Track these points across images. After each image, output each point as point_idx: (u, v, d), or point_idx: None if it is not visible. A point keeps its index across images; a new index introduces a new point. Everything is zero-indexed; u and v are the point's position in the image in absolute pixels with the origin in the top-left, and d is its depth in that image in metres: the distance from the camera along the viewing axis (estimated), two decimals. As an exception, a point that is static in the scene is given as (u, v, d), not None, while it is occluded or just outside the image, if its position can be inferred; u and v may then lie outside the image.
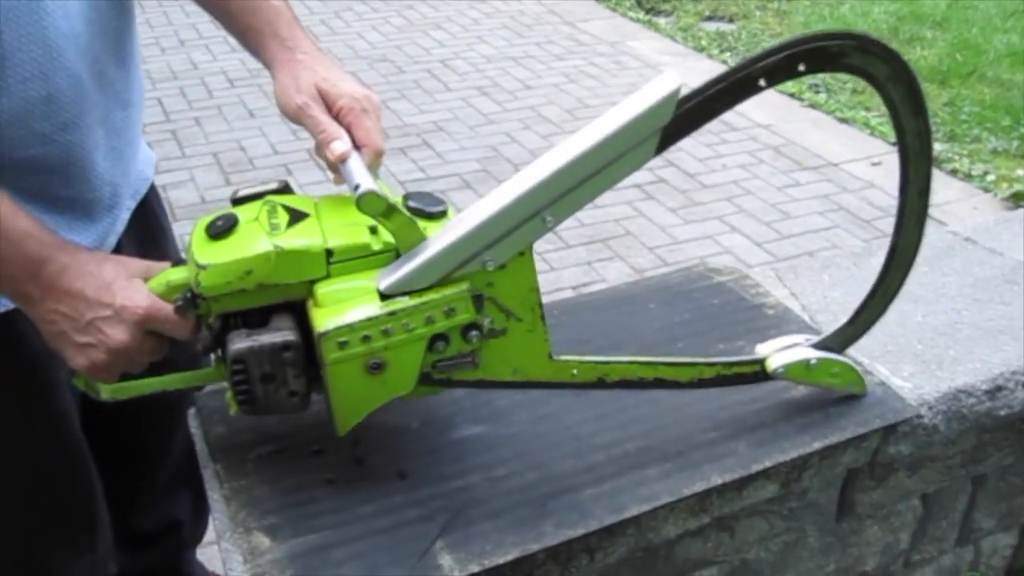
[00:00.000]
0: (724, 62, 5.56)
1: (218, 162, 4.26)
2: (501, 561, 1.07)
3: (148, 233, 1.44)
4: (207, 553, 2.16)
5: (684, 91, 1.04)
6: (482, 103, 4.95)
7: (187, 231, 3.62)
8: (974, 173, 4.22)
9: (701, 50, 5.80)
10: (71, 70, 1.12)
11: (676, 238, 3.68)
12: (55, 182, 1.17)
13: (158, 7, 6.06)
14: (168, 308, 1.06)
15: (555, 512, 1.13)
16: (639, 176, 3.91)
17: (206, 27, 5.78)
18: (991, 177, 4.18)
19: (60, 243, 1.06)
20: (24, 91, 1.09)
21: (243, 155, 4.32)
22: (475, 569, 1.06)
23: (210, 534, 2.15)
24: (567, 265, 3.46)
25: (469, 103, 4.95)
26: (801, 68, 1.04)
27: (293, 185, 1.18)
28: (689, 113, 1.04)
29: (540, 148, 4.39)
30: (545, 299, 1.13)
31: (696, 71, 5.33)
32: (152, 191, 1.47)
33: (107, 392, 1.15)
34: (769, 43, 5.83)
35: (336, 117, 1.14)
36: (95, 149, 1.20)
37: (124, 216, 1.35)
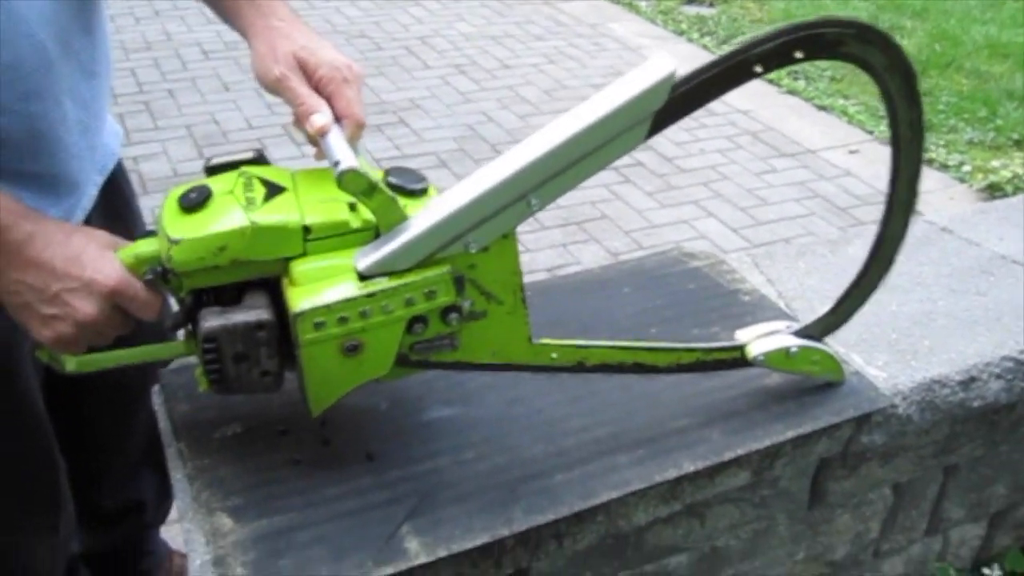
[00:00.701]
0: (704, 46, 5.54)
1: (191, 135, 4.20)
2: (469, 546, 1.06)
3: (115, 210, 1.40)
4: (171, 531, 2.13)
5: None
6: (460, 81, 4.91)
7: (158, 204, 3.56)
8: (950, 164, 4.22)
9: (681, 33, 5.78)
10: (34, 38, 1.07)
11: (652, 222, 3.66)
12: (19, 156, 1.13)
13: (133, -24, 5.97)
14: (138, 284, 1.03)
15: (524, 497, 1.12)
16: (616, 159, 3.89)
17: (182, -2, 5.71)
18: (967, 168, 4.18)
19: (24, 210, 1.02)
20: None
21: (217, 128, 4.26)
22: (442, 554, 1.04)
23: (174, 513, 2.12)
24: (542, 247, 3.44)
25: (447, 81, 4.90)
26: (798, 55, 1.02)
27: (268, 156, 1.14)
28: (682, 97, 1.02)
29: (517, 128, 4.36)
30: (518, 281, 1.11)
31: (676, 55, 5.30)
32: (119, 167, 1.43)
33: (72, 364, 1.12)
34: (749, 28, 5.82)
35: (316, 87, 1.09)
36: (60, 122, 1.16)
37: (91, 192, 1.31)
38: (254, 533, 1.05)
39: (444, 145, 4.20)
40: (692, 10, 6.25)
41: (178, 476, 1.15)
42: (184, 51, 5.08)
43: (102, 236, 1.07)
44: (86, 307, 1.01)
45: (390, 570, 1.02)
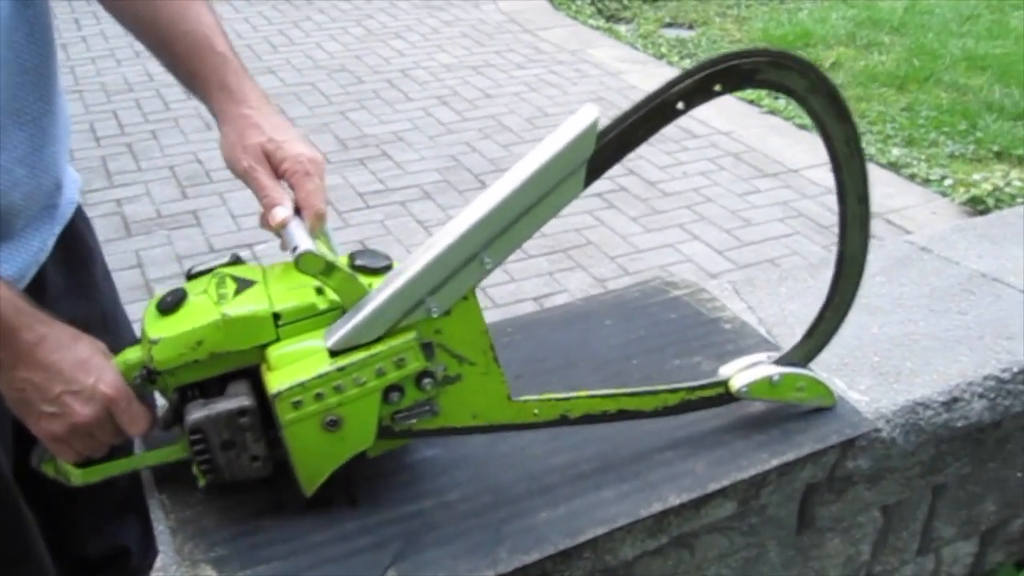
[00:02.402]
0: (684, 69, 5.55)
1: (175, 175, 4.20)
2: (454, 589, 1.05)
3: (75, 256, 1.41)
4: (162, 578, 2.11)
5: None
6: (442, 113, 4.93)
7: (143, 246, 3.55)
8: (932, 178, 4.24)
9: (661, 57, 5.82)
10: None
11: (637, 247, 3.67)
12: None
13: (111, 18, 5.98)
14: (133, 397, 1.07)
15: (510, 537, 1.11)
16: (600, 185, 3.89)
17: (162, 38, 5.71)
18: (949, 182, 4.20)
19: (37, 313, 1.05)
20: None
21: (200, 168, 4.27)
22: (428, 598, 1.04)
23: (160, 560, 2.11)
24: (528, 276, 3.44)
25: (429, 113, 4.92)
26: (717, 88, 1.06)
27: (246, 256, 1.19)
28: (612, 143, 1.06)
29: (500, 157, 4.38)
30: (506, 311, 1.13)
31: (657, 78, 5.34)
32: (79, 213, 1.44)
33: (77, 477, 1.15)
34: (728, 49, 5.85)
35: (280, 177, 1.15)
36: (13, 188, 1.16)
37: (48, 244, 1.32)
38: (239, 584, 1.05)
39: (428, 177, 4.22)
40: (672, 33, 6.30)
41: (160, 528, 1.14)
42: (165, 91, 5.09)
43: (102, 346, 1.10)
44: (84, 410, 1.04)
45: (376, 617, 1.02)
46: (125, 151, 4.42)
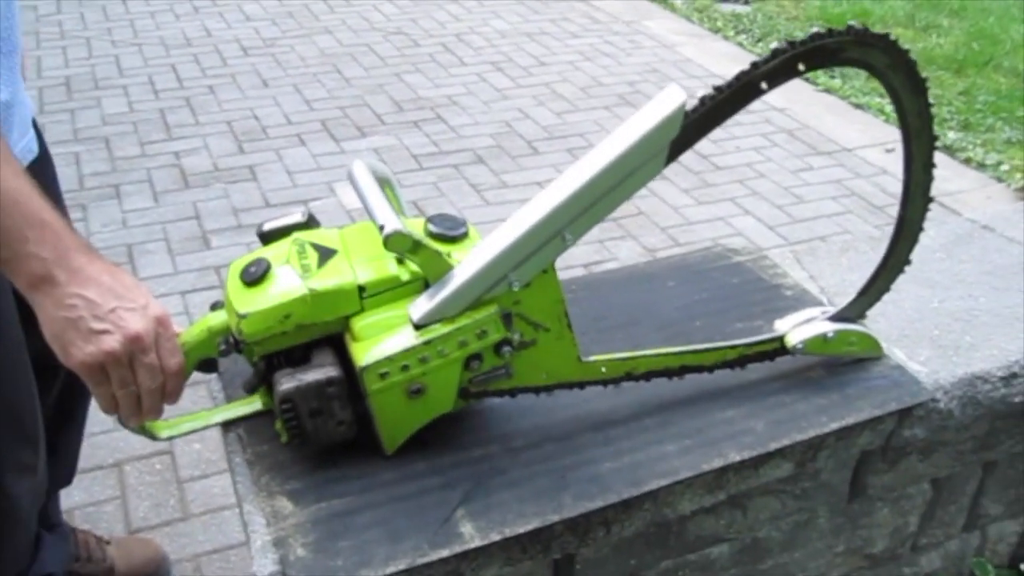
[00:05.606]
0: (739, 44, 5.53)
1: (231, 130, 4.25)
2: (521, 531, 1.09)
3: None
4: (226, 515, 2.18)
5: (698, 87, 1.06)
6: (496, 78, 4.93)
7: (200, 198, 3.61)
8: (987, 163, 4.20)
9: (716, 31, 5.77)
10: None
11: (688, 219, 3.68)
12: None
13: (173, -27, 6.03)
14: (174, 329, 1.10)
15: (574, 484, 1.15)
16: (652, 156, 3.88)
17: (221, -6, 5.77)
18: (1005, 167, 4.16)
19: (87, 241, 1.09)
20: None
21: (256, 124, 4.31)
22: (495, 537, 1.07)
23: (231, 496, 2.16)
24: (579, 243, 3.45)
25: (483, 78, 4.93)
26: (801, 68, 1.07)
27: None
28: (695, 124, 1.08)
29: (553, 125, 4.39)
30: (556, 277, 1.16)
31: (711, 52, 5.32)
32: (48, 159, 1.54)
33: (162, 430, 1.21)
34: (785, 26, 5.81)
35: None
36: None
37: (35, 147, 1.43)
38: (313, 516, 1.09)
39: (481, 142, 4.23)
40: (727, 7, 6.25)
41: (237, 460, 1.19)
42: (223, 47, 5.14)
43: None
44: (138, 323, 1.06)
45: (445, 553, 1.05)
46: (183, 104, 4.47)
